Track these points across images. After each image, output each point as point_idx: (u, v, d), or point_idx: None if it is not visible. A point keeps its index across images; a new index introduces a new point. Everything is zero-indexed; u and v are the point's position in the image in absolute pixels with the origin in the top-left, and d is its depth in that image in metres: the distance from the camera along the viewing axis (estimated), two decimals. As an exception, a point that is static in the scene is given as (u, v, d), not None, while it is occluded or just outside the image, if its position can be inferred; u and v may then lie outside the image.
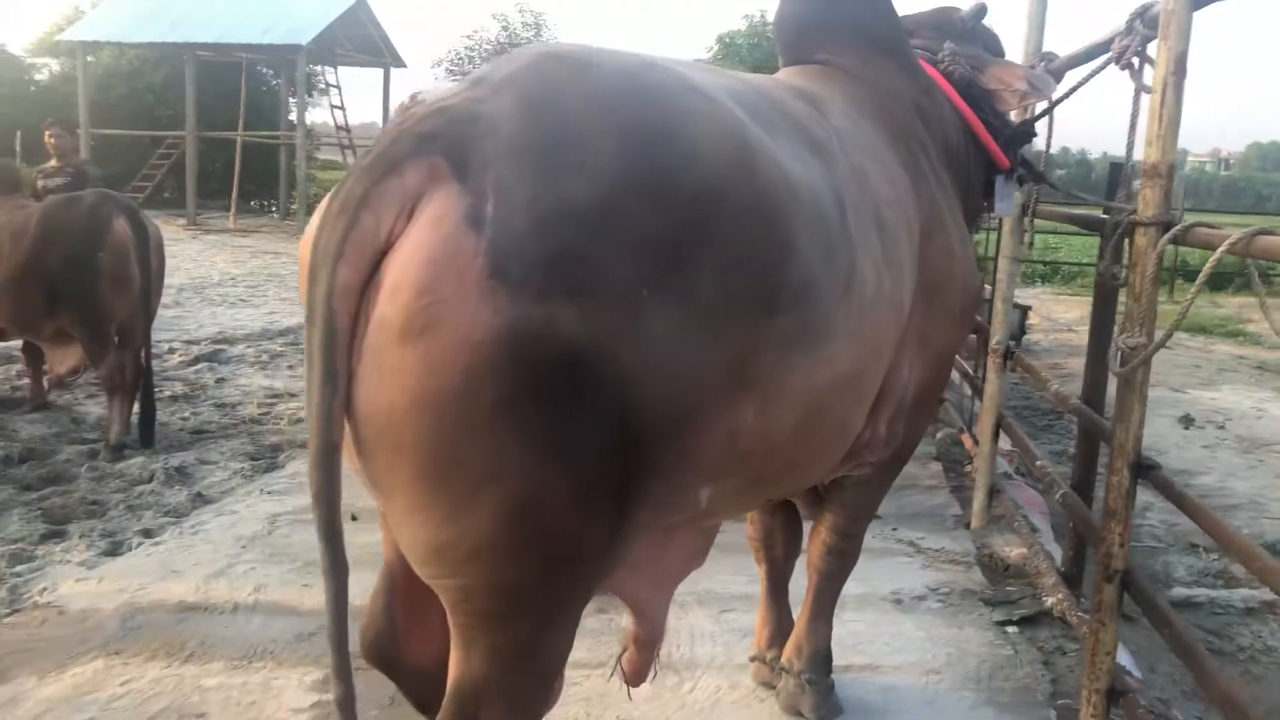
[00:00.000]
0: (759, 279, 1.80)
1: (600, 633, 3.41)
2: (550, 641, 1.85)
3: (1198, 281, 2.24)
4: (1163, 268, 2.51)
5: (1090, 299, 13.29)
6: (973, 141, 2.94)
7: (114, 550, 4.39)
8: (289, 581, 3.90)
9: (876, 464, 2.66)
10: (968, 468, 5.32)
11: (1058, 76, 3.62)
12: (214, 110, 24.86)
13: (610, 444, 1.66)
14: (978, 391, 4.77)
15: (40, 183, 7.00)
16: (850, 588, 3.64)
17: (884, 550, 4.16)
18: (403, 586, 2.06)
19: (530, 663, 1.83)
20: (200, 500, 5.10)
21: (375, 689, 3.08)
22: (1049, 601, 3.57)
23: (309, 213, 23.71)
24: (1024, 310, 10.09)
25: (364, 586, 3.73)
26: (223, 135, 23.91)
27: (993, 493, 4.32)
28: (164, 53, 24.82)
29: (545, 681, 1.90)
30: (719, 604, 3.62)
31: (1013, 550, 3.98)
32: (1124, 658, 3.18)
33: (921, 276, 2.46)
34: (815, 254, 1.92)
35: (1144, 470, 2.51)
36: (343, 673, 1.72)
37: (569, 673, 1.98)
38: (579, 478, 1.65)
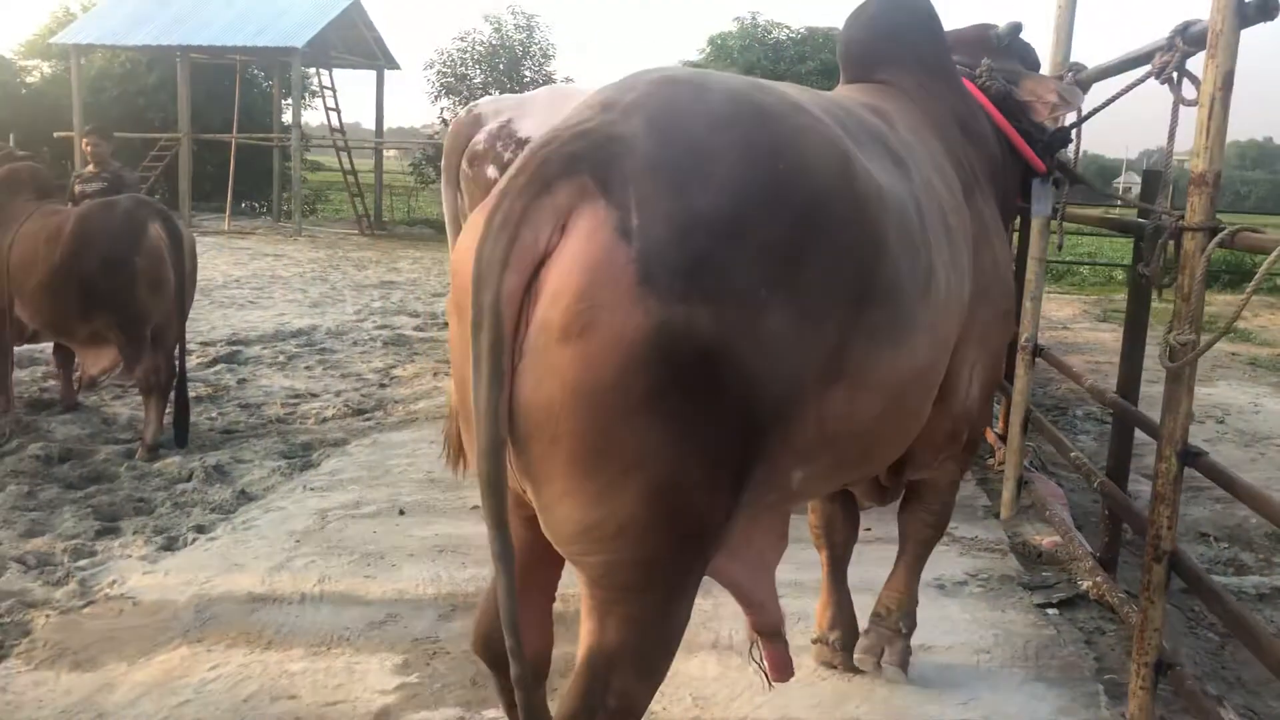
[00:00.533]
0: (856, 277, 1.99)
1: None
2: (676, 611, 2.02)
3: (1251, 284, 2.42)
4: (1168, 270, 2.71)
5: (1081, 297, 13.49)
6: (1009, 149, 3.14)
7: (170, 545, 4.53)
8: (351, 573, 4.05)
9: (951, 452, 2.92)
10: (990, 461, 5.52)
11: (1085, 87, 3.82)
12: (207, 112, 24.94)
13: (735, 431, 1.85)
14: (1001, 388, 4.96)
15: (78, 188, 7.14)
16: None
17: (920, 539, 4.35)
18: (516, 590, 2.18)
19: (659, 631, 2.01)
20: (244, 497, 5.24)
21: (458, 669, 3.26)
22: (1085, 585, 3.76)
23: (304, 214, 23.89)
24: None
25: (418, 576, 3.93)
26: (217, 137, 23.96)
27: (1020, 484, 4.50)
28: (156, 55, 24.88)
29: (669, 649, 2.06)
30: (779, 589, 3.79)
31: (1044, 538, 4.17)
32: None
33: (976, 280, 2.65)
34: (902, 255, 2.12)
35: (1190, 457, 2.70)
36: (516, 653, 1.87)
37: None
38: (711, 462, 1.84)
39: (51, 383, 7.59)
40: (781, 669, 2.68)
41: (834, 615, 3.29)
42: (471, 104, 4.31)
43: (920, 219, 2.25)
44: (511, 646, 1.87)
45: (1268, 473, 6.89)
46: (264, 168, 26.25)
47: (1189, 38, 2.89)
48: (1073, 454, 3.91)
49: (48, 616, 3.75)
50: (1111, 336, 13.27)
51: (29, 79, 29.07)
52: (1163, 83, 3.01)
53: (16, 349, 6.91)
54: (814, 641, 3.31)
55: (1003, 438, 5.63)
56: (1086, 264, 21.64)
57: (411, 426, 6.63)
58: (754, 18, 24.93)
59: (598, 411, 1.75)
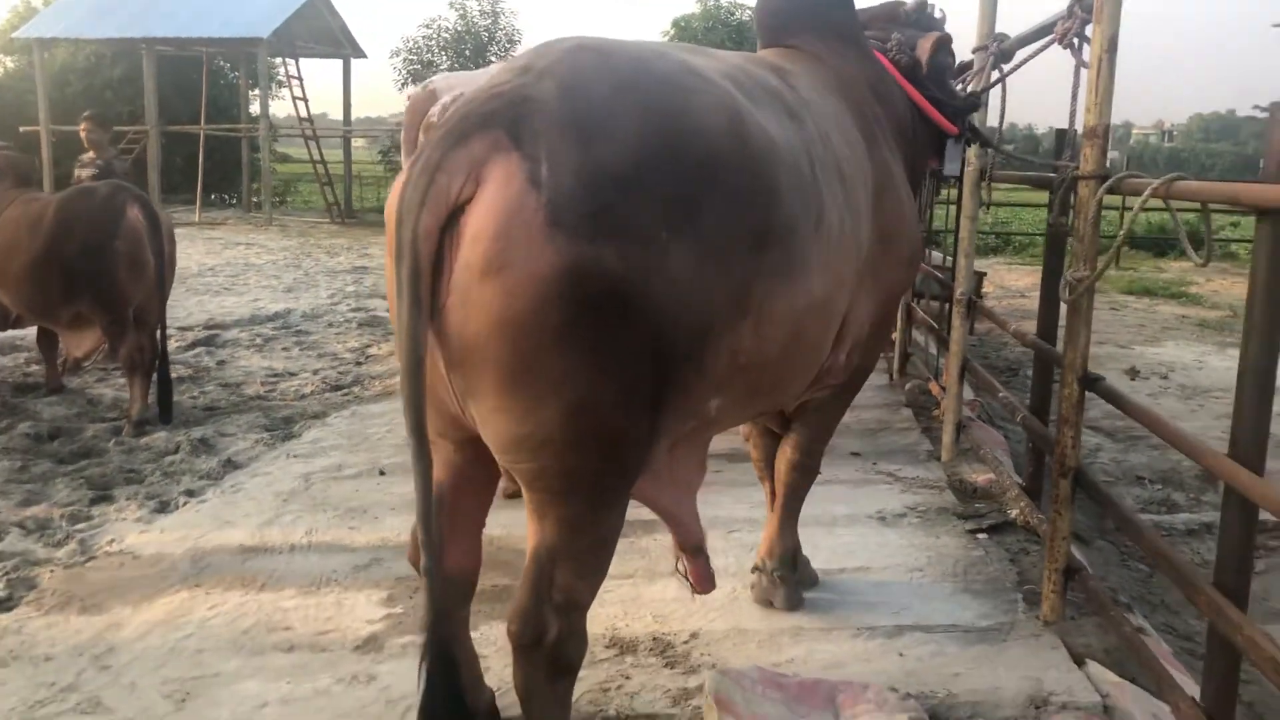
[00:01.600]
0: (752, 222, 2.24)
1: (624, 552, 3.88)
2: (604, 517, 2.30)
3: (1131, 215, 2.73)
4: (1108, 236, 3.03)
5: (1036, 268, 13.90)
6: (918, 114, 3.45)
7: (163, 509, 4.79)
8: (336, 525, 4.33)
9: (835, 388, 3.19)
10: (935, 413, 5.85)
11: (1009, 54, 4.14)
12: (173, 104, 24.96)
13: (646, 357, 2.10)
14: (943, 343, 5.28)
15: (77, 172, 7.43)
16: (839, 509, 4.17)
17: (865, 480, 4.69)
18: (447, 509, 2.48)
19: (589, 532, 2.29)
20: (231, 466, 5.50)
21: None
22: (1013, 513, 4.09)
23: (274, 204, 23.99)
24: (979, 276, 10.65)
25: (400, 526, 4.19)
26: (185, 129, 24.00)
27: (959, 429, 4.83)
28: (121, 48, 24.84)
29: (602, 550, 2.34)
30: (727, 526, 4.11)
31: (980, 476, 4.50)
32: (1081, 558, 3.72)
33: (876, 225, 2.93)
34: (794, 201, 2.36)
35: (1090, 383, 3.02)
36: (429, 546, 2.16)
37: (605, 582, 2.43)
38: (624, 384, 2.10)
39: (35, 367, 7.80)
40: (704, 581, 2.93)
41: (773, 544, 3.53)
42: (427, 80, 4.56)
43: (812, 167, 2.49)
44: (424, 541, 2.16)
45: (1204, 421, 7.28)
46: (233, 159, 26.33)
47: (1085, 6, 3.20)
48: (1000, 394, 4.24)
49: (52, 571, 4.01)
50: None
51: (-8, 74, 28.98)
52: (1064, 48, 3.33)
53: (1, 335, 7.13)
54: (753, 570, 3.56)
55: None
56: (1041, 236, 22.08)
57: (388, 399, 6.89)
58: (717, 1, 25.22)
59: (518, 340, 2.01)
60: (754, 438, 3.63)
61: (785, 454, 3.43)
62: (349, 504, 4.59)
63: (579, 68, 2.17)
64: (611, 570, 3.54)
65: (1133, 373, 8.81)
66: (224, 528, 4.35)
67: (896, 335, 6.69)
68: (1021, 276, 16.72)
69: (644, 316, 2.05)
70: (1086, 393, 3.08)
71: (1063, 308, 3.13)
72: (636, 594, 3.52)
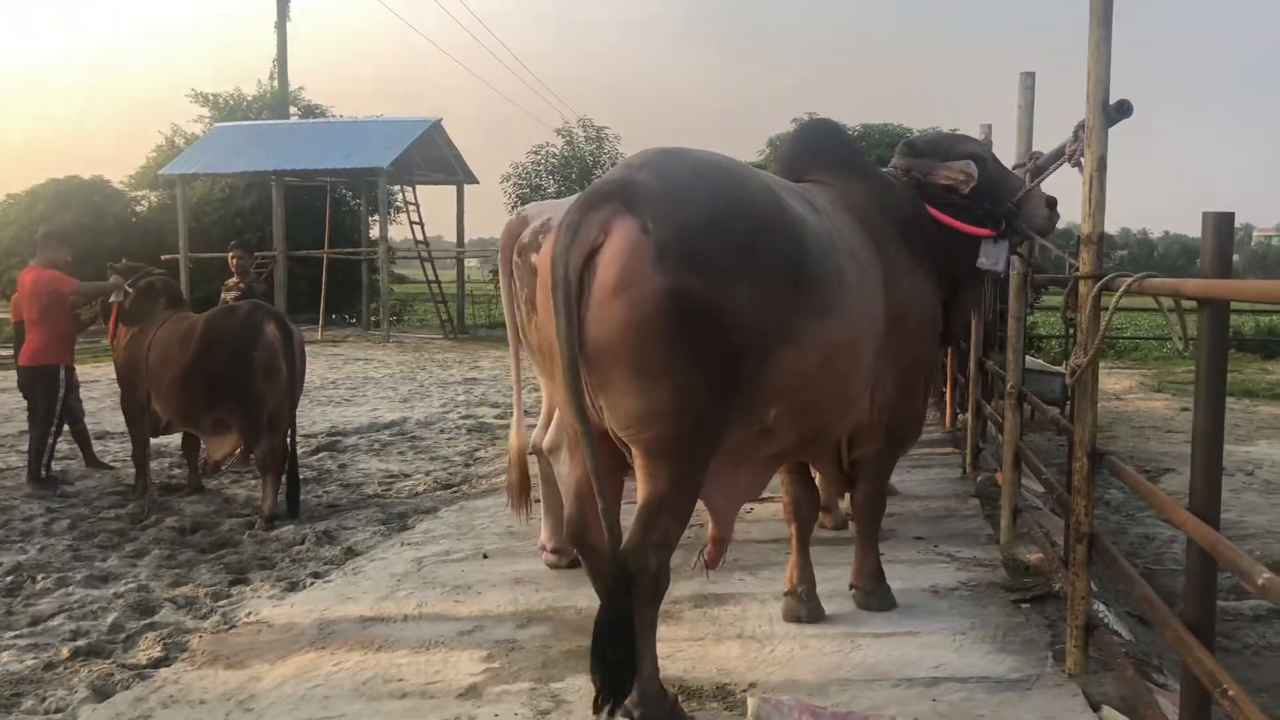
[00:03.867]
0: (790, 269, 3.22)
1: (697, 620, 4.32)
2: (696, 476, 3.18)
3: (1109, 312, 3.17)
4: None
5: (1142, 371, 14.02)
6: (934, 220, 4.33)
7: (293, 588, 5.40)
8: (444, 600, 4.85)
9: (879, 442, 4.12)
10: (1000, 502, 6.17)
11: (1043, 169, 4.63)
12: (298, 230, 26.65)
13: (724, 356, 3.04)
14: (998, 426, 5.65)
15: (223, 295, 8.46)
16: (896, 584, 4.54)
17: (925, 560, 5.05)
18: (588, 500, 3.25)
19: (686, 487, 3.17)
20: (351, 553, 6.11)
21: (532, 658, 4.03)
22: (1057, 586, 4.40)
23: (391, 322, 25.26)
24: (1064, 377, 10.88)
25: (499, 599, 4.66)
26: (309, 254, 25.59)
27: (1016, 514, 5.17)
28: (253, 179, 26.76)
29: (691, 502, 3.25)
30: (754, 568, 4.55)
31: (1033, 555, 4.83)
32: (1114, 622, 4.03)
33: (889, 306, 3.82)
34: (819, 258, 3.34)
35: (1099, 456, 3.40)
36: (606, 515, 3.09)
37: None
38: (710, 374, 3.03)
39: (178, 470, 8.63)
40: (712, 562, 3.87)
41: (800, 573, 4.33)
42: (519, 209, 5.24)
43: (830, 241, 3.49)
44: (603, 508, 3.05)
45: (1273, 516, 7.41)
46: (353, 280, 27.88)
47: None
48: (1043, 475, 4.59)
49: (200, 637, 4.60)
50: (1163, 405, 13.70)
51: (138, 208, 31.32)
52: (1074, 166, 3.80)
53: (152, 440, 7.97)
54: (785, 594, 4.31)
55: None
56: (1146, 339, 21.98)
57: (494, 494, 7.45)
58: (810, 117, 26.05)
59: (638, 338, 2.97)
60: (786, 486, 4.40)
61: (855, 500, 4.43)
62: (456, 582, 5.12)
63: (666, 162, 3.26)
64: (683, 634, 4.08)
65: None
66: (346, 602, 4.90)
67: (968, 432, 7.03)
68: (1121, 380, 16.74)
69: (722, 326, 3.01)
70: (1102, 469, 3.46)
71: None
72: (704, 653, 3.95)
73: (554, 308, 3.00)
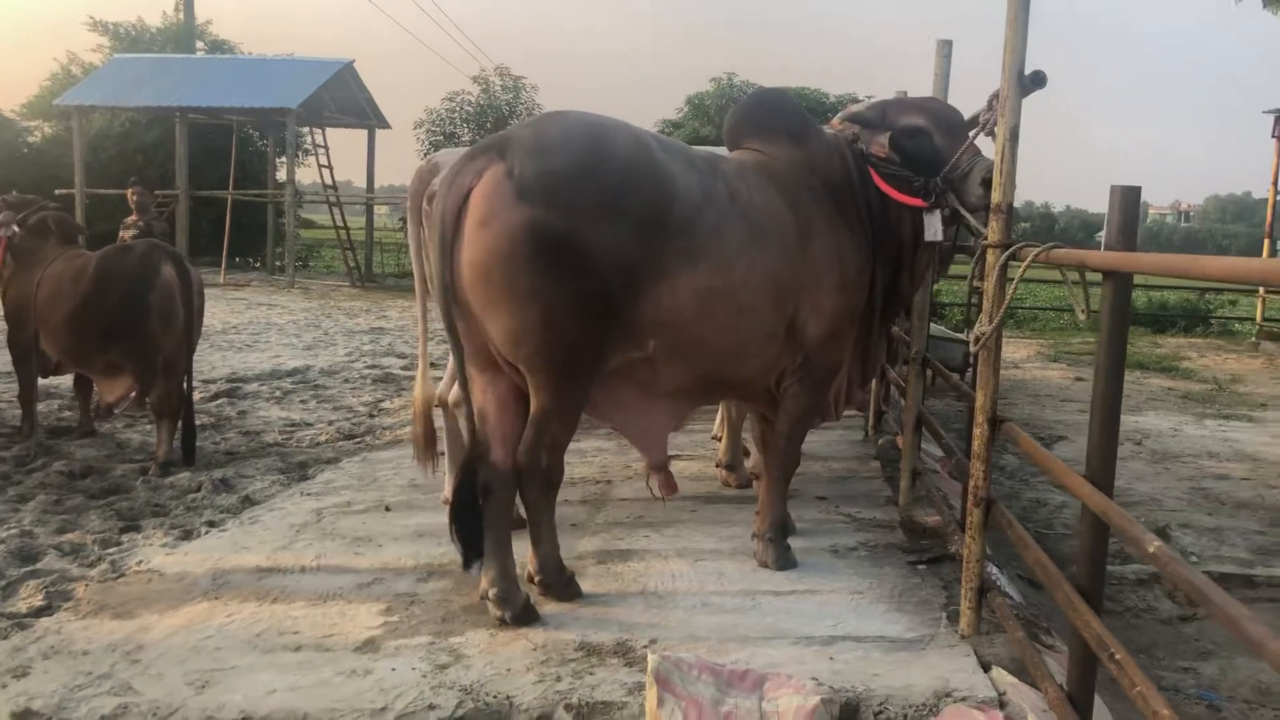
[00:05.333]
0: (658, 213, 3.72)
1: (599, 576, 4.32)
2: (574, 390, 3.78)
3: (1015, 278, 3.21)
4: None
5: (1038, 340, 14.38)
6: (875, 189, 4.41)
7: (186, 536, 5.27)
8: (343, 551, 4.76)
9: (799, 382, 4.32)
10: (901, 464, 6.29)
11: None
12: (202, 169, 25.83)
13: (591, 284, 3.56)
14: (900, 390, 5.75)
15: (121, 232, 8.11)
16: (798, 543, 4.60)
17: (826, 520, 5.12)
18: (492, 422, 3.90)
19: (567, 398, 3.77)
20: (249, 502, 5.98)
21: (432, 612, 3.99)
22: (953, 548, 4.50)
23: (296, 268, 24.69)
24: (967, 344, 11.12)
25: (401, 553, 4.60)
26: (213, 194, 24.83)
27: (915, 477, 5.26)
28: (155, 116, 25.82)
29: (575, 411, 3.88)
30: (695, 556, 4.54)
31: (930, 518, 4.92)
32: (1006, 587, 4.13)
33: (807, 262, 4.14)
34: (689, 209, 3.81)
35: (998, 422, 3.47)
36: (470, 431, 3.87)
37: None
38: (577, 299, 3.56)
39: (68, 413, 8.34)
40: (668, 488, 4.64)
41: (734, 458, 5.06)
42: (431, 155, 5.14)
43: (708, 197, 3.90)
44: (466, 411, 3.83)
45: (1165, 484, 7.69)
46: (258, 223, 27.14)
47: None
48: (943, 440, 4.68)
49: (86, 585, 4.46)
50: (1058, 374, 14.10)
51: (31, 139, 30.00)
52: (988, 135, 3.84)
53: (40, 381, 7.67)
54: (753, 536, 4.55)
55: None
56: (1047, 310, 22.59)
57: (398, 446, 7.36)
58: (730, 79, 26.06)
59: (504, 266, 3.51)
60: (752, 421, 4.94)
61: (770, 437, 4.58)
62: (356, 534, 5.03)
63: (548, 120, 3.87)
64: (588, 590, 4.08)
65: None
66: (241, 552, 4.78)
67: (870, 395, 7.12)
68: (1020, 348, 17.16)
69: (587, 258, 3.54)
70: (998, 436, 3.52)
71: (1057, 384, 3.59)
72: (606, 610, 3.95)
73: (433, 243, 3.65)
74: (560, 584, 4.04)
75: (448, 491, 5.24)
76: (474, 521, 3.77)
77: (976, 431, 3.49)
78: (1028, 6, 3.32)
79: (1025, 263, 3.08)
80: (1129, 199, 2.61)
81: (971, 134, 4.11)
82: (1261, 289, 18.37)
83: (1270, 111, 17.48)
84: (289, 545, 4.88)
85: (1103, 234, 3.79)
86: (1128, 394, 12.22)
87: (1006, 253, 3.33)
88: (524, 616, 3.81)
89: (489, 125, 27.26)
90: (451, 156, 4.80)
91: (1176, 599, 5.55)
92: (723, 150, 4.71)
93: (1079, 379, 13.42)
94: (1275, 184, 18.14)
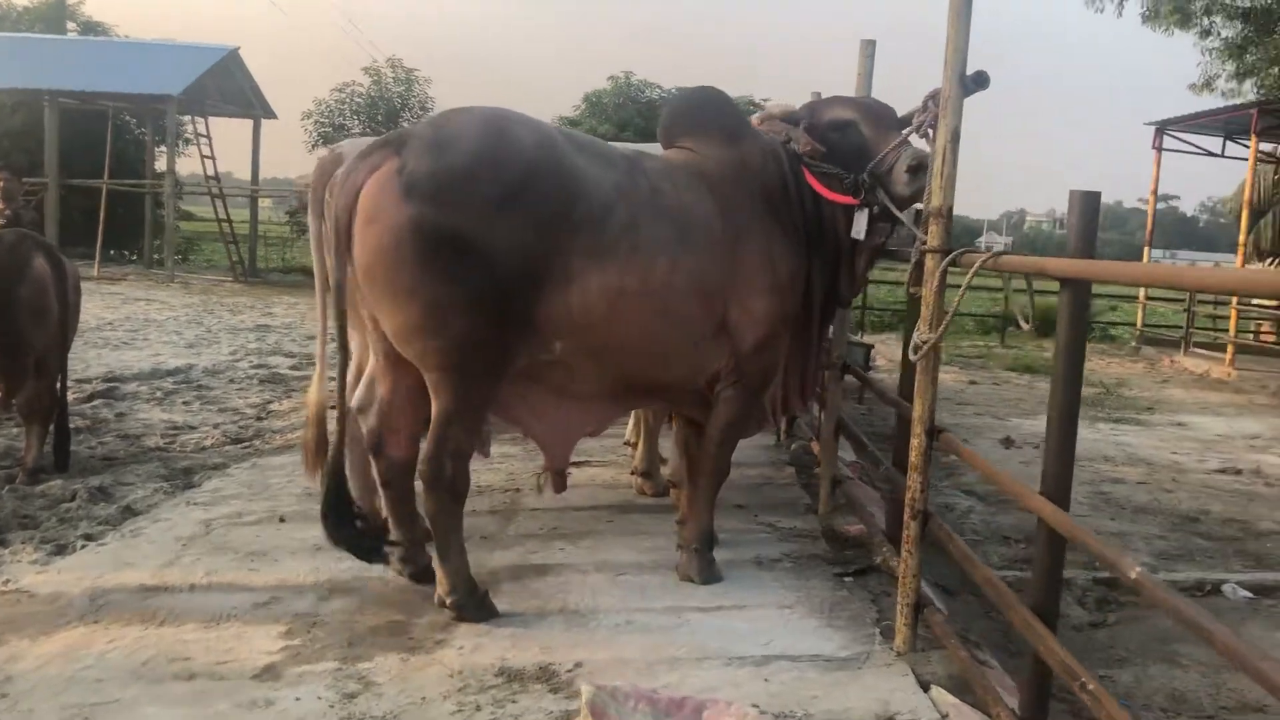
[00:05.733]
0: (561, 211, 3.59)
1: (515, 593, 4.10)
2: (475, 391, 3.66)
3: (962, 286, 3.10)
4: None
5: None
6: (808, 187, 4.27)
7: (60, 551, 4.85)
8: (236, 567, 4.45)
9: (731, 387, 4.16)
10: (816, 470, 6.20)
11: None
12: (75, 157, 24.61)
13: (485, 281, 3.46)
14: (822, 404, 5.64)
15: None
16: (720, 555, 4.45)
17: (747, 530, 4.99)
18: (385, 414, 3.97)
19: (466, 400, 3.65)
20: (129, 512, 5.56)
21: (336, 635, 3.72)
22: (877, 559, 4.41)
23: (176, 261, 23.73)
24: (867, 348, 11.19)
25: (299, 568, 4.32)
26: (86, 183, 23.69)
27: (835, 485, 5.17)
28: (21, 99, 24.50)
29: (478, 414, 3.75)
30: (615, 570, 4.36)
31: (851, 527, 4.83)
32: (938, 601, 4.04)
33: (734, 265, 3.99)
34: (597, 209, 3.67)
35: (935, 433, 3.36)
36: (340, 430, 4.00)
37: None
38: (468, 295, 3.46)
39: (-72, 415, 7.73)
40: (559, 486, 4.32)
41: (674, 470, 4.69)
42: (334, 144, 4.85)
43: (619, 194, 3.75)
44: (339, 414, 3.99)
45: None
46: (135, 214, 25.98)
47: (938, 101, 3.60)
48: (868, 449, 4.58)
49: (-54, 608, 4.05)
50: (952, 378, 14.31)
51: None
52: (922, 137, 3.73)
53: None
54: (677, 548, 4.42)
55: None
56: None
57: (289, 452, 6.98)
58: (628, 77, 25.95)
59: (388, 261, 3.46)
60: (676, 427, 4.75)
61: (698, 440, 4.39)
62: (249, 548, 4.71)
63: (447, 116, 3.78)
64: (504, 609, 3.86)
65: (1007, 441, 9.32)
66: (123, 569, 4.43)
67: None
68: (899, 349, 17.39)
69: (478, 256, 3.44)
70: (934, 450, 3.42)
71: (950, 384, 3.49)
72: (526, 630, 3.73)
73: (332, 235, 3.59)
74: (473, 603, 3.83)
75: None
76: (345, 519, 3.81)
77: (914, 442, 3.39)
78: (970, 3, 3.21)
79: (973, 269, 2.97)
80: (1088, 204, 2.52)
81: (904, 131, 3.99)
82: (1142, 293, 18.98)
83: (1152, 123, 18.04)
84: (176, 560, 4.54)
85: (983, 239, 3.74)
86: (1022, 398, 12.47)
87: (947, 258, 3.22)
88: (483, 612, 3.81)
89: (380, 118, 26.64)
90: (356, 147, 4.53)
91: (1086, 605, 5.57)
92: (656, 148, 4.54)
93: (972, 382, 13.64)
94: (1155, 193, 18.76)
